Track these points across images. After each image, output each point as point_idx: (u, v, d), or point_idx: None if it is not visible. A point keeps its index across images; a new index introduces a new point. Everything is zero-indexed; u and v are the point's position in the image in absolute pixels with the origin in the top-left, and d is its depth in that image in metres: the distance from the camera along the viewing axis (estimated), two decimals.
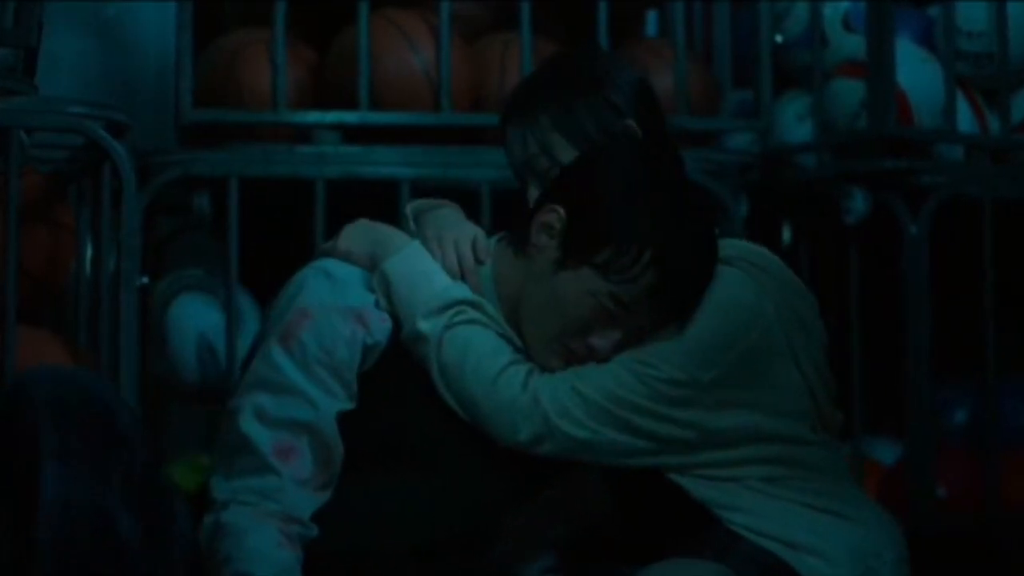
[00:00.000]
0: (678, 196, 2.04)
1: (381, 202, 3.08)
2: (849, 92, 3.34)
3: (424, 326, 2.02)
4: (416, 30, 3.22)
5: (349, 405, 2.01)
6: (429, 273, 2.06)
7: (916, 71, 3.31)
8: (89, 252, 2.61)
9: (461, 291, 2.06)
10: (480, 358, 2.01)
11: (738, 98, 3.51)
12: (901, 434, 3.31)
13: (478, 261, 2.09)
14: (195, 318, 3.23)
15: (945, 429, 3.36)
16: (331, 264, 2.09)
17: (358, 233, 2.11)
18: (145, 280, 2.60)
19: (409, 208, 2.18)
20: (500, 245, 2.12)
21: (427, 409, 2.03)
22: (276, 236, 3.19)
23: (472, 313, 2.04)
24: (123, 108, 2.57)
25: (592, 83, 2.17)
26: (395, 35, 3.21)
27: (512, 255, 2.09)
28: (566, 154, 2.13)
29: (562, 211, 2.04)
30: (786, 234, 3.39)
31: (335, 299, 2.03)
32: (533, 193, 2.15)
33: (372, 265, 2.07)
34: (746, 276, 2.05)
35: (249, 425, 1.99)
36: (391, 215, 3.06)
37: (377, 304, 2.05)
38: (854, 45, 3.39)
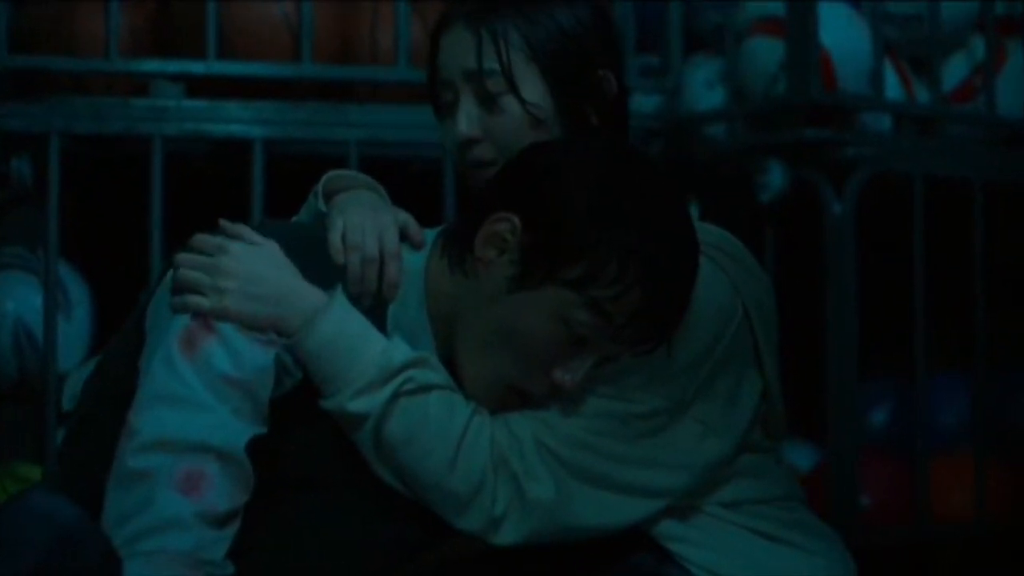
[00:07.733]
0: (655, 190, 1.75)
1: (230, 164, 2.95)
2: (766, 52, 3.14)
3: (356, 406, 1.71)
4: None
5: (262, 429, 1.74)
6: (360, 336, 1.73)
7: (841, 30, 3.11)
8: None
9: (402, 352, 1.73)
10: (437, 433, 1.71)
11: (640, 63, 3.31)
12: (819, 437, 3.16)
13: (415, 248, 1.77)
14: (12, 301, 3.00)
15: (863, 430, 3.20)
16: None
17: (254, 282, 1.73)
18: None
19: (321, 182, 1.85)
20: (434, 249, 1.80)
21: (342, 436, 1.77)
22: (109, 205, 3.03)
23: (421, 377, 1.72)
24: None
25: None
26: None
27: (447, 268, 1.77)
28: (528, 83, 1.81)
29: (517, 220, 1.72)
30: (694, 213, 3.20)
31: None
32: (465, 113, 1.82)
33: (278, 331, 1.72)
34: (719, 271, 1.82)
35: (149, 449, 1.70)
36: (241, 179, 2.80)
37: None
38: (770, 6, 3.20)
